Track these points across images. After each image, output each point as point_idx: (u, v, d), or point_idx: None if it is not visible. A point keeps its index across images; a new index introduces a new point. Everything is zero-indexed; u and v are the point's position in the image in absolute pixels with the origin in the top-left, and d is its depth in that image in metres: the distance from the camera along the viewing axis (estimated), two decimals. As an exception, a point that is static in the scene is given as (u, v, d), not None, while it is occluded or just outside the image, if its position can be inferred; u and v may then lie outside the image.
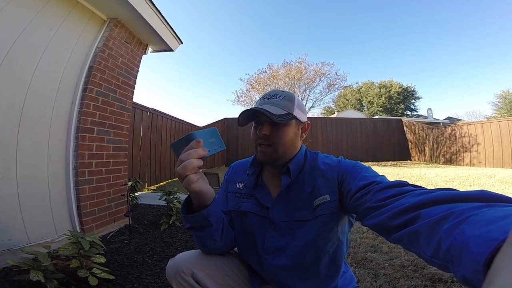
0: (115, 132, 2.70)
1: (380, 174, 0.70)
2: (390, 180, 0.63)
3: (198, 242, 0.82)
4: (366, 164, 0.78)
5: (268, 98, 0.81)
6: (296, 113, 0.80)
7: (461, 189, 0.47)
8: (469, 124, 9.32)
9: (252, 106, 0.82)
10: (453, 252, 0.33)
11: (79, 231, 2.23)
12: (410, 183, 0.57)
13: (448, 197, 0.43)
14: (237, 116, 0.79)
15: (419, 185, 0.55)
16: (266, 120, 0.78)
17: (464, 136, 9.17)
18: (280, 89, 0.86)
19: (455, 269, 0.32)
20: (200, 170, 0.65)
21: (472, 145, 8.87)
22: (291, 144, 0.81)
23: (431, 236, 0.39)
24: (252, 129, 0.84)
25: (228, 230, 0.84)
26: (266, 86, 13.53)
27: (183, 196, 3.17)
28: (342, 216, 0.79)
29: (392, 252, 2.05)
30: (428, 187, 0.55)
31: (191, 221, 0.73)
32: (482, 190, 0.41)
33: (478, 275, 0.27)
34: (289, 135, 0.80)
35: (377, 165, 9.74)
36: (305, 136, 0.87)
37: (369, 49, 61.05)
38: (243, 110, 0.79)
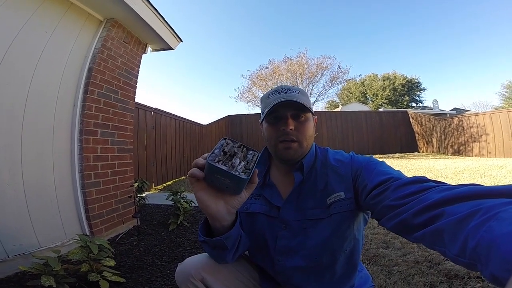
0: (119, 133, 2.69)
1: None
2: (407, 176, 0.60)
3: (209, 254, 0.79)
4: (373, 157, 0.75)
5: (285, 92, 0.77)
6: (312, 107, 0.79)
7: (471, 181, 0.44)
8: (476, 114, 9.19)
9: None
10: (480, 251, 0.31)
11: (88, 234, 2.24)
12: (430, 178, 0.54)
13: (474, 193, 0.40)
14: (267, 112, 0.74)
15: (441, 181, 0.52)
16: (289, 114, 0.75)
17: (472, 127, 9.01)
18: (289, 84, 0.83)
19: (483, 267, 0.31)
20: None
21: (481, 136, 8.71)
22: (312, 139, 0.79)
23: (457, 234, 0.37)
24: (267, 126, 0.79)
25: (244, 246, 0.79)
26: (268, 81, 13.46)
27: (190, 196, 3.16)
28: (358, 214, 0.76)
29: (405, 247, 2.00)
30: (439, 180, 0.52)
31: (207, 241, 0.69)
32: (511, 185, 0.38)
33: (509, 274, 0.26)
34: (311, 129, 0.78)
35: (384, 157, 9.60)
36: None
37: (371, 42, 60.07)
38: (274, 104, 0.72)
